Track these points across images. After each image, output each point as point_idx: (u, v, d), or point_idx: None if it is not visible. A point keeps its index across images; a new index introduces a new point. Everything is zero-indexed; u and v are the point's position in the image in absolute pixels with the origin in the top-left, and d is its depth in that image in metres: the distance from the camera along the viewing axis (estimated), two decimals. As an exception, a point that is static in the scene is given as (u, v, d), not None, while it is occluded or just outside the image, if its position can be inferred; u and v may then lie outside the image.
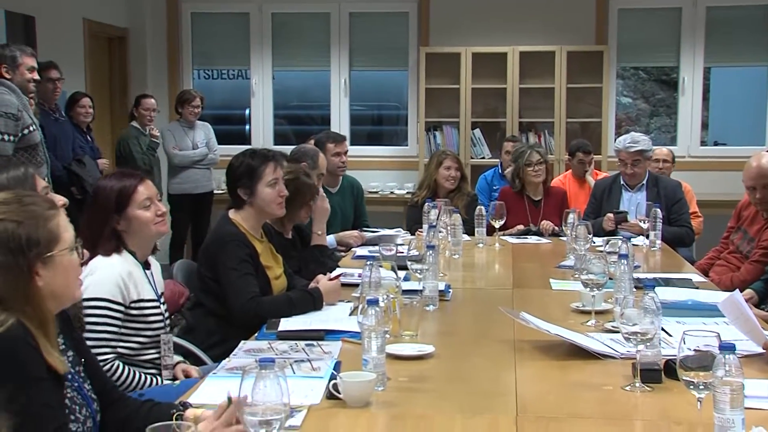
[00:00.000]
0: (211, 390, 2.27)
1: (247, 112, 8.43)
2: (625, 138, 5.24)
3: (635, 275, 3.22)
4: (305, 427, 2.03)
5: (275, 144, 7.89)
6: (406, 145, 8.16)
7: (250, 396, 1.71)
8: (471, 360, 2.64)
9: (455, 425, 2.08)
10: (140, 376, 2.72)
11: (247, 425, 1.72)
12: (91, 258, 2.69)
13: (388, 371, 2.32)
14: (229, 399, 1.87)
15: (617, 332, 2.56)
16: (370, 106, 8.80)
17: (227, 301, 3.21)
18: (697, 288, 3.55)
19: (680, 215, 5.12)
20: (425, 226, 4.37)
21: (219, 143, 7.28)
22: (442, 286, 3.39)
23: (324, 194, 4.18)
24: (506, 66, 7.54)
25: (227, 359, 2.60)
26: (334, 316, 3.08)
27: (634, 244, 4.15)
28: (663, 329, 2.57)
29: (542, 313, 2.94)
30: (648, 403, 2.21)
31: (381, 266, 2.90)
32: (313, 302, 3.20)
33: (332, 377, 2.26)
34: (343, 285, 3.41)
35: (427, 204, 4.80)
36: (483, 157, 7.69)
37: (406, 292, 3.10)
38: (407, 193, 7.38)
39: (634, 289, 2.90)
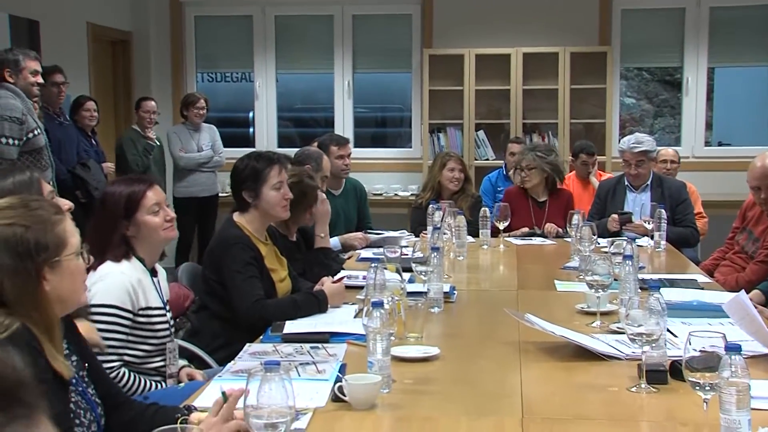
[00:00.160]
0: (216, 393, 2.27)
1: (250, 114, 8.43)
2: (629, 138, 5.23)
3: (640, 276, 3.22)
4: (311, 429, 2.03)
5: (279, 147, 7.90)
6: (410, 147, 8.16)
7: (255, 399, 1.71)
8: (476, 362, 2.64)
9: (461, 427, 2.08)
10: (145, 383, 2.72)
11: (253, 428, 1.72)
12: (99, 263, 2.69)
13: (394, 373, 2.31)
14: (224, 394, 1.88)
15: (622, 333, 2.55)
16: (373, 108, 8.80)
17: (232, 303, 3.21)
18: (702, 289, 3.54)
19: (685, 216, 5.11)
20: (429, 228, 4.37)
21: (223, 146, 7.28)
22: (446, 288, 3.39)
23: (324, 197, 4.18)
24: (509, 67, 7.54)
25: (232, 362, 2.60)
26: (339, 318, 3.08)
27: (638, 245, 4.15)
28: (668, 330, 2.57)
29: (547, 314, 2.93)
30: (654, 405, 2.21)
31: (386, 268, 2.90)
32: (318, 305, 3.20)
33: (337, 380, 2.26)
34: (348, 287, 3.41)
35: (431, 206, 4.79)
36: (487, 159, 7.69)
37: (410, 294, 3.09)
38: (411, 195, 7.39)
39: (639, 290, 2.90)
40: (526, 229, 5.27)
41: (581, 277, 3.28)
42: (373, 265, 2.82)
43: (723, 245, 4.69)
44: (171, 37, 8.17)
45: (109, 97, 7.74)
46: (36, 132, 4.76)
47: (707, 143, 7.94)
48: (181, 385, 2.78)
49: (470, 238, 4.72)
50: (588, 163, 6.29)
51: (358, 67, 8.17)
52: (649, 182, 5.22)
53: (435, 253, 3.21)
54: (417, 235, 4.95)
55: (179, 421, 1.95)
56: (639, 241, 4.50)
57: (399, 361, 2.49)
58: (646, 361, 2.29)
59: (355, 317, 3.08)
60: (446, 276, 3.70)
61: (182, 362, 2.95)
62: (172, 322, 2.90)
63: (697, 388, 1.95)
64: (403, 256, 3.76)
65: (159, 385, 2.76)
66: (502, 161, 6.69)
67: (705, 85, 7.78)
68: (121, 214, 2.75)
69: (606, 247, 4.13)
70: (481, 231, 4.82)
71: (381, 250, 4.03)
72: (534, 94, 7.63)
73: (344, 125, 8.08)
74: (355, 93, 8.16)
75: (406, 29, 8.01)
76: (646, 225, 4.73)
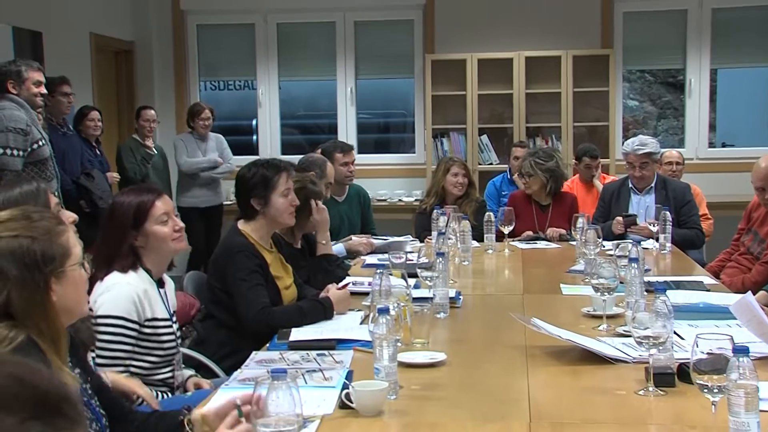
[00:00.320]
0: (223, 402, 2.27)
1: (254, 122, 8.44)
2: (633, 141, 5.22)
3: (646, 279, 3.21)
4: (318, 437, 2.03)
5: (282, 154, 7.90)
6: (414, 153, 8.16)
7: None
8: (483, 367, 2.63)
9: (468, 433, 2.07)
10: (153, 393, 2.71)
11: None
12: (106, 274, 2.69)
13: (400, 379, 2.31)
14: (240, 411, 1.87)
15: (629, 336, 2.55)
16: (376, 114, 8.81)
17: (238, 311, 3.21)
18: (708, 290, 3.53)
19: (689, 217, 5.10)
20: (434, 233, 4.36)
21: (229, 154, 7.30)
22: (452, 293, 3.38)
23: (323, 205, 4.15)
24: (512, 71, 7.54)
25: (239, 370, 2.59)
26: (345, 325, 3.08)
27: (644, 248, 4.14)
28: (675, 332, 2.56)
29: (553, 318, 2.93)
30: (661, 408, 2.20)
31: (391, 274, 2.90)
32: (324, 311, 3.19)
33: (344, 386, 2.26)
34: (354, 294, 3.41)
35: (435, 211, 4.79)
36: (490, 163, 7.69)
37: (416, 299, 3.09)
38: (415, 200, 7.39)
39: (645, 293, 2.89)
40: (530, 233, 5.26)
41: (587, 280, 3.28)
42: (378, 271, 2.82)
43: (728, 246, 4.69)
44: (173, 46, 8.18)
45: (112, 106, 7.76)
46: (41, 143, 4.77)
47: (711, 144, 7.94)
48: (189, 393, 2.78)
49: (475, 243, 4.72)
50: (591, 166, 6.28)
51: (360, 74, 8.18)
52: (653, 184, 5.21)
53: (440, 259, 3.21)
54: (422, 241, 4.95)
55: (185, 420, 1.95)
56: (644, 244, 4.50)
57: (405, 367, 2.49)
58: (654, 364, 2.28)
59: (361, 324, 3.07)
60: (452, 281, 3.70)
61: (189, 371, 2.94)
62: (178, 333, 2.89)
63: (705, 390, 1.94)
64: (408, 262, 3.75)
65: (165, 395, 2.76)
66: (506, 165, 6.69)
67: (708, 87, 7.78)
68: (130, 224, 2.75)
69: (611, 250, 4.12)
70: (485, 235, 4.83)
71: (386, 256, 4.03)
72: (537, 97, 7.63)
73: (347, 131, 8.09)
74: (357, 99, 8.17)
75: (408, 35, 8.02)
76: (651, 227, 4.72)
